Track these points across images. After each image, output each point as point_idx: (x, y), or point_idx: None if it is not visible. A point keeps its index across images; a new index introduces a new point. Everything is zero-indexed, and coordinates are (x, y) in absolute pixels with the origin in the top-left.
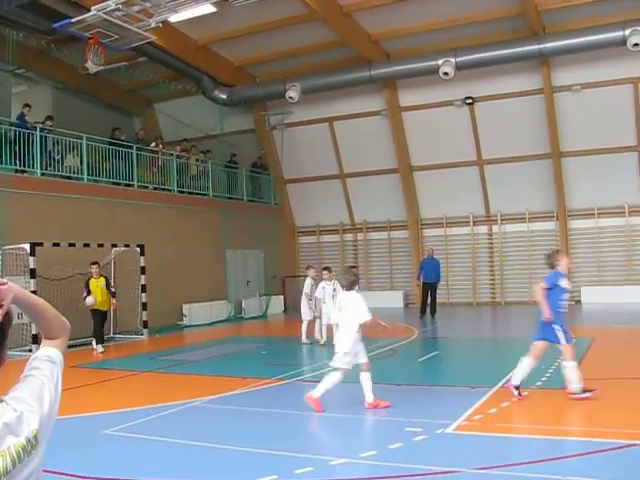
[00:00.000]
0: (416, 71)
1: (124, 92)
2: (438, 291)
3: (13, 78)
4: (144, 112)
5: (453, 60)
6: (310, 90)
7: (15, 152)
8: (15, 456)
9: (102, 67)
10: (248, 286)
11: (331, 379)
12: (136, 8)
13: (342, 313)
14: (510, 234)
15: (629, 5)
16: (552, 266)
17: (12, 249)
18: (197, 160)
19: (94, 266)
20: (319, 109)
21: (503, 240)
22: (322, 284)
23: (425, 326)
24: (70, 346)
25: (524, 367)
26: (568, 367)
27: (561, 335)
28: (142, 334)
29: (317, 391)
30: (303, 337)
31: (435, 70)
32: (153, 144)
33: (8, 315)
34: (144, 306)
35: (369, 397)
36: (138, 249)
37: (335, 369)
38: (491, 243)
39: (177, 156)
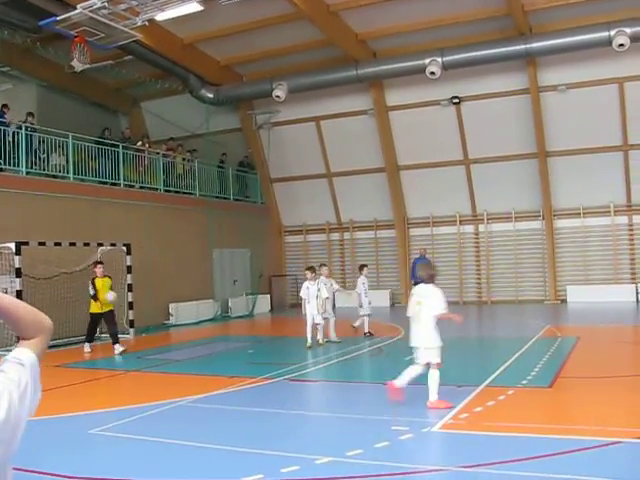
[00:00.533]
0: (403, 70)
1: (110, 91)
2: None
3: None
4: (130, 111)
5: (440, 60)
6: (297, 89)
7: None
8: None
9: (88, 65)
10: (235, 285)
11: (411, 371)
12: (122, 6)
13: (420, 306)
14: (496, 233)
15: (614, 6)
16: None
17: None
18: (183, 159)
19: (99, 265)
20: (306, 108)
21: (489, 239)
22: (306, 284)
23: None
24: (55, 346)
25: None
26: None
27: None
28: (128, 333)
29: (401, 381)
30: (332, 335)
31: (422, 69)
32: (139, 143)
33: None
34: (130, 305)
35: (432, 396)
36: (124, 248)
37: (425, 364)
38: (477, 242)
39: (163, 155)
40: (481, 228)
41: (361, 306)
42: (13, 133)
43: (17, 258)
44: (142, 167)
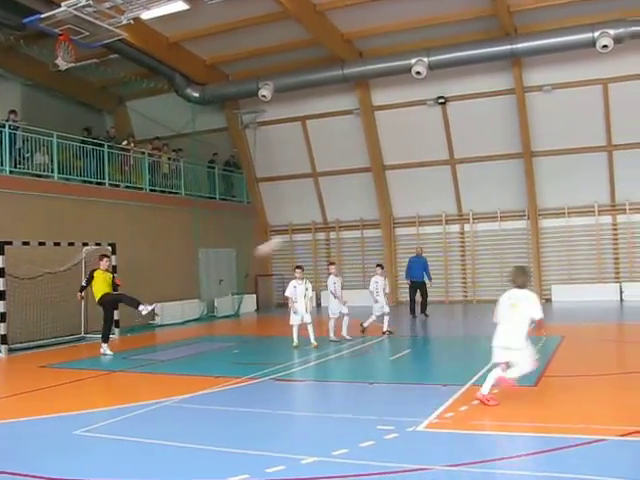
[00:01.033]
0: (389, 70)
1: (95, 89)
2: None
3: None
4: (115, 110)
5: (426, 59)
6: (283, 89)
7: None
8: None
9: (73, 64)
10: (220, 285)
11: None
12: (107, 4)
13: (515, 308)
14: (482, 233)
15: (598, 7)
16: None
17: None
18: (169, 158)
19: (105, 259)
20: (292, 108)
21: (475, 239)
22: (293, 283)
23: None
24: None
25: None
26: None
27: None
28: (113, 333)
29: (486, 387)
30: (331, 335)
31: (408, 69)
32: (125, 142)
33: None
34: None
35: (485, 389)
36: (109, 248)
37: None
38: (463, 242)
39: (149, 154)
40: (467, 228)
41: (376, 302)
42: None
43: (0, 258)
44: (127, 166)
